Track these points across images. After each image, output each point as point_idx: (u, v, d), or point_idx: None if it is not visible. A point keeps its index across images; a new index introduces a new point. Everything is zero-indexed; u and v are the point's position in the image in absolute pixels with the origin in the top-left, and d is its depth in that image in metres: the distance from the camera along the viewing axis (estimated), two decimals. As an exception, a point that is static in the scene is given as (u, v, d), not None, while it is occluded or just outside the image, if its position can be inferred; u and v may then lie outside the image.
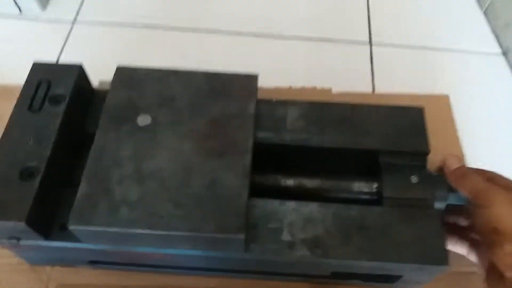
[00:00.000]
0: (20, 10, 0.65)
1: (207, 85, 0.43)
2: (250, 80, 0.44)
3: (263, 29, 0.66)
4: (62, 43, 0.63)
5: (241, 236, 0.35)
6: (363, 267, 0.40)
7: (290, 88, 0.59)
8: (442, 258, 0.38)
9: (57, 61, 0.62)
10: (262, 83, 0.57)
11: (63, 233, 0.39)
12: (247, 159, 0.39)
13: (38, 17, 0.65)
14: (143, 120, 0.41)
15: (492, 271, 0.37)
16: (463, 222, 0.45)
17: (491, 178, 0.40)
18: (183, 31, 0.65)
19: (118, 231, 0.35)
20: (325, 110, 0.46)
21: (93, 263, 0.44)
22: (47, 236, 0.38)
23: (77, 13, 0.66)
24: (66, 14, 0.66)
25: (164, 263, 0.42)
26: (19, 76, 0.57)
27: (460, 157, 0.43)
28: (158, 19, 0.66)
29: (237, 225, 0.36)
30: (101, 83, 0.58)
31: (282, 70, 0.62)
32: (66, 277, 0.45)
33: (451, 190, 0.42)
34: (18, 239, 0.38)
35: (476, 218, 0.39)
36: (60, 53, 0.62)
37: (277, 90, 0.58)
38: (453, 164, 0.41)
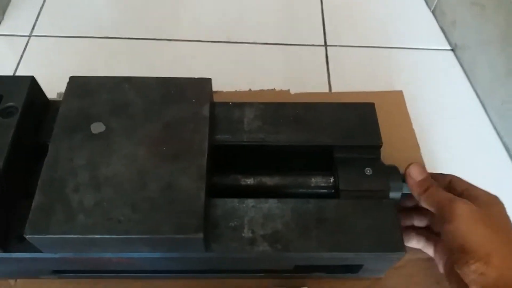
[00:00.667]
0: (-27, 26, 0.64)
1: (160, 90, 0.44)
2: (203, 83, 0.45)
3: (222, 36, 0.67)
4: (19, 57, 0.62)
5: (200, 236, 0.36)
6: (324, 258, 0.41)
7: (249, 91, 0.60)
8: (399, 245, 0.39)
9: (14, 74, 0.61)
10: (223, 87, 0.59)
11: (21, 244, 0.38)
12: (203, 160, 0.39)
13: (-8, 32, 0.65)
14: (97, 127, 0.41)
15: (453, 273, 0.37)
16: (419, 223, 0.46)
17: (450, 182, 0.41)
18: (140, 41, 0.66)
19: (76, 238, 0.35)
20: (280, 110, 0.47)
21: (57, 272, 0.43)
22: (5, 248, 0.38)
23: (33, 27, 0.66)
24: (21, 28, 0.65)
25: (128, 267, 0.42)
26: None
27: (423, 165, 0.42)
28: (114, 30, 0.66)
29: (195, 225, 0.36)
30: (59, 95, 0.58)
31: (241, 75, 0.63)
32: (30, 289, 0.45)
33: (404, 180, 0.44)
34: (-26, 253, 0.38)
35: (442, 232, 0.38)
36: (17, 67, 0.62)
37: (237, 93, 0.59)
38: (416, 175, 0.41)
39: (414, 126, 0.57)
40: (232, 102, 0.47)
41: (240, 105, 0.47)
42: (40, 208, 0.36)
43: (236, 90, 0.60)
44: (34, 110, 0.43)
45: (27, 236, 0.35)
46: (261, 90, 0.60)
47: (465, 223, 0.36)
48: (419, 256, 0.47)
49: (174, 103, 0.43)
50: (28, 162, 0.42)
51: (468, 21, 0.63)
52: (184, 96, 0.43)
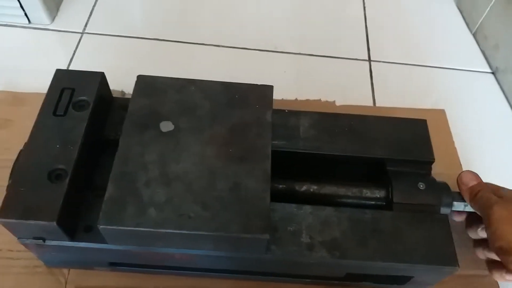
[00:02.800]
0: (29, 20, 0.65)
1: (225, 94, 0.45)
2: (266, 90, 0.46)
3: (269, 45, 0.68)
4: (71, 54, 0.64)
5: (266, 236, 0.37)
6: (377, 268, 0.42)
7: (296, 100, 0.61)
8: (452, 259, 0.41)
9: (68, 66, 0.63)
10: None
11: (88, 234, 0.40)
12: (267, 164, 0.41)
13: (47, 27, 0.66)
14: (166, 126, 0.42)
15: None
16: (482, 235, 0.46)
17: (502, 194, 0.41)
18: (189, 45, 0.67)
19: (147, 231, 0.36)
20: (335, 120, 0.48)
21: (113, 265, 0.44)
22: (72, 237, 0.39)
23: (86, 25, 0.67)
24: (74, 25, 0.67)
25: (184, 264, 0.43)
26: (27, 84, 0.58)
27: (476, 174, 0.44)
28: (164, 32, 0.68)
29: (262, 226, 0.37)
30: (122, 93, 0.60)
31: (287, 84, 0.64)
32: (83, 279, 0.46)
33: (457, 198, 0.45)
34: (44, 239, 0.39)
35: (487, 236, 0.39)
36: (69, 63, 0.63)
37: (284, 102, 0.61)
38: (468, 181, 0.43)
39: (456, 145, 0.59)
40: (287, 110, 0.49)
41: (296, 113, 0.49)
42: (112, 200, 0.37)
43: (282, 99, 0.61)
44: (102, 106, 0.45)
45: (101, 227, 0.36)
46: (307, 100, 0.62)
47: (500, 225, 0.38)
48: (460, 273, 0.47)
49: (239, 108, 0.44)
50: (94, 155, 0.43)
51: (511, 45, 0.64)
52: (248, 101, 0.45)
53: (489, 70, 0.68)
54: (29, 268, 0.46)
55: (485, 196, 0.41)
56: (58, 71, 0.45)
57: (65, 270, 0.46)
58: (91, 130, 0.42)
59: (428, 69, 0.68)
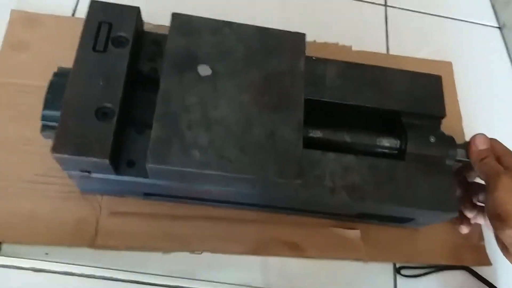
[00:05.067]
0: None
1: (259, 39, 0.46)
2: (298, 38, 0.47)
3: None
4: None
5: (298, 182, 0.41)
6: (387, 209, 0.47)
7: (314, 42, 0.62)
8: (454, 206, 0.46)
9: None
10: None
11: (131, 168, 0.42)
12: (300, 113, 0.43)
13: None
14: (204, 70, 0.43)
15: (499, 238, 0.44)
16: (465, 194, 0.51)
17: (501, 156, 0.45)
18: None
19: (192, 172, 0.39)
20: (359, 71, 0.51)
21: (147, 195, 0.48)
22: (117, 171, 0.41)
23: None
24: None
25: (218, 198, 0.47)
26: (40, 3, 0.56)
27: (489, 140, 0.47)
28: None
29: (295, 172, 0.41)
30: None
31: (306, 23, 0.64)
32: (116, 205, 0.49)
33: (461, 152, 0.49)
34: (90, 172, 0.41)
35: (486, 201, 0.44)
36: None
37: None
38: (479, 144, 0.46)
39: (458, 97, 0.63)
40: (315, 57, 0.50)
41: (323, 61, 0.50)
42: (159, 140, 0.39)
43: (301, 40, 0.62)
44: (139, 41, 0.45)
45: (149, 166, 0.39)
46: (325, 43, 0.63)
47: (504, 194, 0.42)
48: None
49: (273, 55, 0.45)
50: (132, 91, 0.44)
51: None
52: (281, 48, 0.46)
53: (496, 25, 0.71)
54: (64, 193, 0.48)
55: (493, 164, 0.45)
56: (94, 3, 0.44)
57: (99, 196, 0.49)
58: (131, 67, 0.43)
59: (439, 19, 0.70)
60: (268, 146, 0.41)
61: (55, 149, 0.38)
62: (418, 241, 0.53)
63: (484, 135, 0.48)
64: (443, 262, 0.53)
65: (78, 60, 0.41)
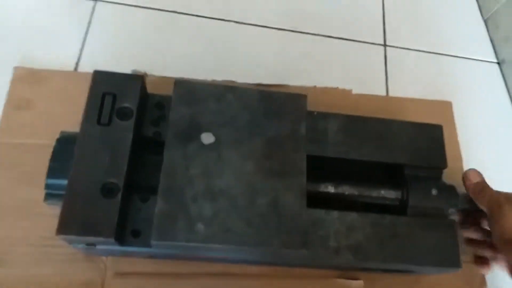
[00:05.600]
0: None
1: (261, 104, 0.46)
2: (300, 99, 0.48)
3: (286, 24, 0.68)
4: (87, 24, 0.62)
5: (304, 252, 0.41)
6: (391, 266, 0.47)
7: (315, 88, 0.63)
8: (456, 261, 0.47)
9: (84, 41, 0.61)
10: (288, 78, 0.61)
11: (136, 239, 0.42)
12: (303, 180, 0.44)
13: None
14: (207, 138, 0.44)
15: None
16: (476, 235, 0.52)
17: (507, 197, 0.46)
18: (208, 19, 0.66)
19: (197, 246, 0.40)
20: (361, 124, 0.51)
21: (152, 256, 0.48)
22: (122, 242, 0.42)
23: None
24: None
25: (222, 260, 0.48)
26: (43, 59, 0.57)
27: (480, 173, 0.49)
28: (183, 5, 0.66)
29: (300, 242, 0.41)
30: (133, 72, 0.59)
31: (304, 66, 0.65)
32: (122, 265, 0.49)
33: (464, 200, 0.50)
34: (95, 245, 0.42)
35: (492, 230, 0.45)
36: (86, 34, 0.61)
37: (303, 89, 0.62)
38: (473, 178, 0.48)
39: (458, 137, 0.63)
40: (316, 112, 0.51)
41: (324, 116, 0.50)
42: (163, 215, 0.40)
43: (301, 85, 0.62)
44: (143, 109, 0.45)
45: (154, 242, 0.39)
46: (325, 88, 0.63)
47: (510, 221, 0.43)
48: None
49: (275, 119, 0.46)
50: (136, 157, 0.45)
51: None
52: (283, 112, 0.46)
53: (495, 60, 0.71)
54: (69, 256, 0.48)
55: (491, 193, 0.46)
56: (96, 73, 0.45)
57: (104, 257, 0.49)
58: (135, 138, 0.43)
59: (438, 56, 0.70)
60: (273, 216, 0.42)
61: (60, 230, 0.38)
62: (422, 288, 0.54)
63: (475, 170, 0.49)
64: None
65: (83, 134, 0.42)
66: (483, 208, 0.46)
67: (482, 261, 0.52)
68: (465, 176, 0.49)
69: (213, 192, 0.42)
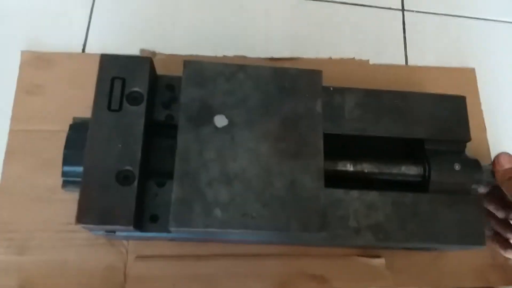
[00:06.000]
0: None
1: (274, 82, 0.44)
2: (315, 76, 0.46)
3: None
4: (91, 3, 0.60)
5: (322, 234, 0.41)
6: (414, 244, 0.47)
7: (330, 59, 0.60)
8: (481, 239, 0.45)
9: (89, 20, 0.59)
10: (302, 50, 0.59)
11: (154, 224, 0.42)
12: (320, 160, 0.43)
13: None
14: (220, 121, 0.42)
15: None
16: (499, 213, 0.50)
17: None
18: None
19: (214, 230, 0.39)
20: (378, 98, 0.49)
21: (172, 239, 0.48)
22: (140, 228, 0.42)
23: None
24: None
25: (241, 241, 0.47)
26: (49, 42, 0.56)
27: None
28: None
29: (318, 224, 0.41)
30: (142, 51, 0.58)
31: (320, 36, 0.62)
32: (143, 249, 0.49)
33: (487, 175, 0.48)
34: (115, 231, 0.42)
35: None
36: (91, 14, 0.60)
37: (318, 61, 0.60)
38: (504, 163, 0.46)
39: (482, 106, 0.61)
40: (332, 87, 0.49)
41: (341, 91, 0.49)
42: (179, 202, 0.39)
43: (316, 57, 0.60)
44: (153, 92, 0.44)
45: (172, 229, 0.39)
46: (341, 59, 0.61)
47: None
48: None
49: (289, 97, 0.44)
50: (148, 142, 0.44)
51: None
52: (298, 89, 0.45)
53: (520, 21, 0.67)
54: (91, 240, 0.49)
55: None
56: (104, 57, 0.43)
57: (125, 241, 0.50)
58: (147, 122, 0.42)
59: (460, 19, 0.66)
60: (290, 198, 0.41)
61: (79, 220, 0.38)
62: (444, 265, 0.53)
63: (508, 153, 0.47)
64: (468, 285, 0.53)
65: (94, 121, 0.41)
66: (509, 195, 0.45)
67: (502, 240, 0.51)
68: (496, 159, 0.47)
69: (229, 176, 0.41)
